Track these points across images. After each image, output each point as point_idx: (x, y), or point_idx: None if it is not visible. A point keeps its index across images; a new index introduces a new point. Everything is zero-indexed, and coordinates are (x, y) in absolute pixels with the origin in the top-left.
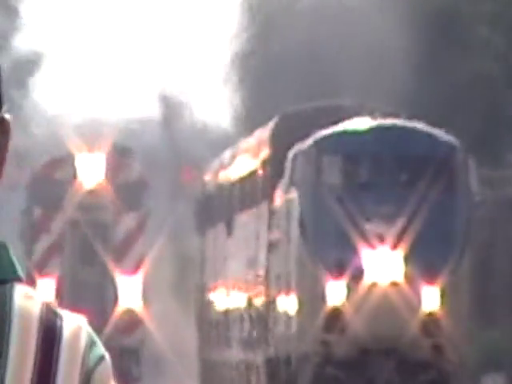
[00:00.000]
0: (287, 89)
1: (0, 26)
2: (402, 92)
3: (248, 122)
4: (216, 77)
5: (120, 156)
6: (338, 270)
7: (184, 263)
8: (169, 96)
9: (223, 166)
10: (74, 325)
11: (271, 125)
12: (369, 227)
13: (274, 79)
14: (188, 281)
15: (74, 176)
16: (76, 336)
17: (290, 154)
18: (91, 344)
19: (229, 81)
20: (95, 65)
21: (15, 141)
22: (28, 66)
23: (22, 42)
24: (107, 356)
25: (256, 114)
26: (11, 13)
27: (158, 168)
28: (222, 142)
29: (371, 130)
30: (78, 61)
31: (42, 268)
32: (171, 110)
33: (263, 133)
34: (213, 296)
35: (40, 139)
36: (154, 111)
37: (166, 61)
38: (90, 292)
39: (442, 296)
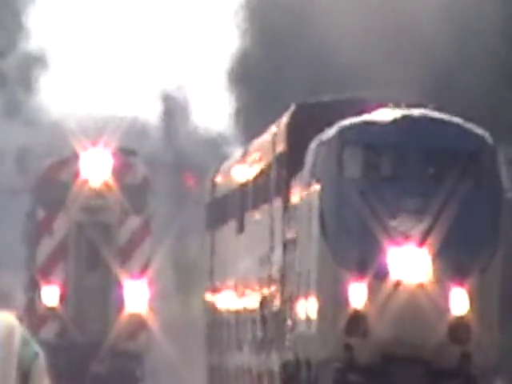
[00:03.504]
0: (289, 92)
1: (6, 28)
2: (425, 85)
3: (250, 127)
4: (218, 81)
5: (124, 156)
6: (361, 269)
7: (189, 266)
8: (171, 99)
9: (235, 163)
10: (7, 325)
11: (287, 117)
12: (394, 224)
13: (277, 82)
14: (193, 283)
15: (79, 176)
16: (10, 335)
17: (311, 145)
18: (25, 342)
19: (231, 85)
20: (99, 68)
21: (20, 141)
22: (32, 67)
23: (27, 44)
24: (41, 352)
25: (258, 118)
26: (17, 16)
27: (160, 171)
28: (224, 145)
29: (398, 121)
30: (83, 63)
31: (46, 271)
32: (173, 113)
33: (278, 126)
34: (222, 296)
35: (44, 140)
36: (156, 115)
37: (168, 65)
38: (94, 296)
39: (472, 299)
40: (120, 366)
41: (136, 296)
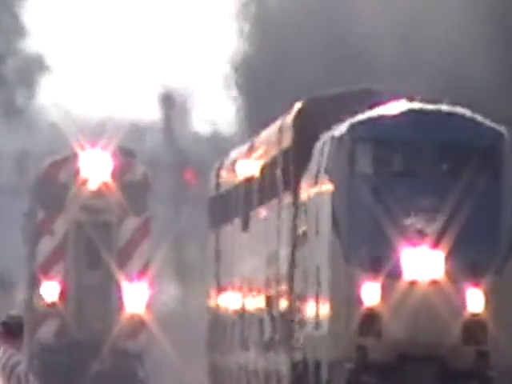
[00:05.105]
0: (292, 89)
1: (6, 30)
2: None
3: (250, 125)
4: (218, 80)
5: (124, 156)
6: (374, 268)
7: (191, 265)
8: (171, 98)
9: (239, 159)
10: None
11: (294, 111)
12: (408, 222)
13: (277, 81)
14: (194, 283)
15: (78, 176)
16: None
17: (320, 140)
18: None
19: (231, 84)
20: (100, 67)
21: (20, 142)
22: (33, 68)
23: (27, 46)
24: None
25: (259, 116)
26: (17, 18)
27: (161, 171)
28: (225, 145)
29: (411, 115)
30: (83, 64)
31: (46, 270)
32: (173, 112)
33: (284, 120)
34: (227, 296)
35: (44, 140)
36: (156, 114)
37: (169, 64)
38: (94, 295)
39: (487, 298)
40: (122, 365)
41: (135, 296)
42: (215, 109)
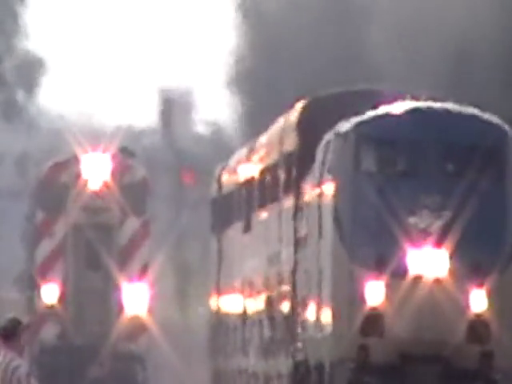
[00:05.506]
0: (290, 90)
1: (6, 30)
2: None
3: (251, 125)
4: (218, 80)
5: (124, 157)
6: (378, 267)
7: (191, 267)
8: (171, 100)
9: (241, 161)
10: None
11: (298, 111)
12: (412, 221)
13: (277, 80)
14: (194, 285)
15: (79, 178)
16: None
17: (324, 140)
18: None
19: (231, 83)
20: (99, 68)
21: (20, 144)
22: (32, 69)
23: (27, 46)
24: None
25: (259, 116)
26: (17, 18)
27: (160, 172)
28: (224, 145)
29: (416, 114)
30: (82, 64)
31: (45, 273)
32: (173, 113)
33: (286, 121)
34: (229, 298)
35: (44, 143)
36: (156, 115)
37: (168, 63)
38: (94, 298)
39: (491, 297)
40: (122, 368)
41: (135, 298)
42: (215, 109)
